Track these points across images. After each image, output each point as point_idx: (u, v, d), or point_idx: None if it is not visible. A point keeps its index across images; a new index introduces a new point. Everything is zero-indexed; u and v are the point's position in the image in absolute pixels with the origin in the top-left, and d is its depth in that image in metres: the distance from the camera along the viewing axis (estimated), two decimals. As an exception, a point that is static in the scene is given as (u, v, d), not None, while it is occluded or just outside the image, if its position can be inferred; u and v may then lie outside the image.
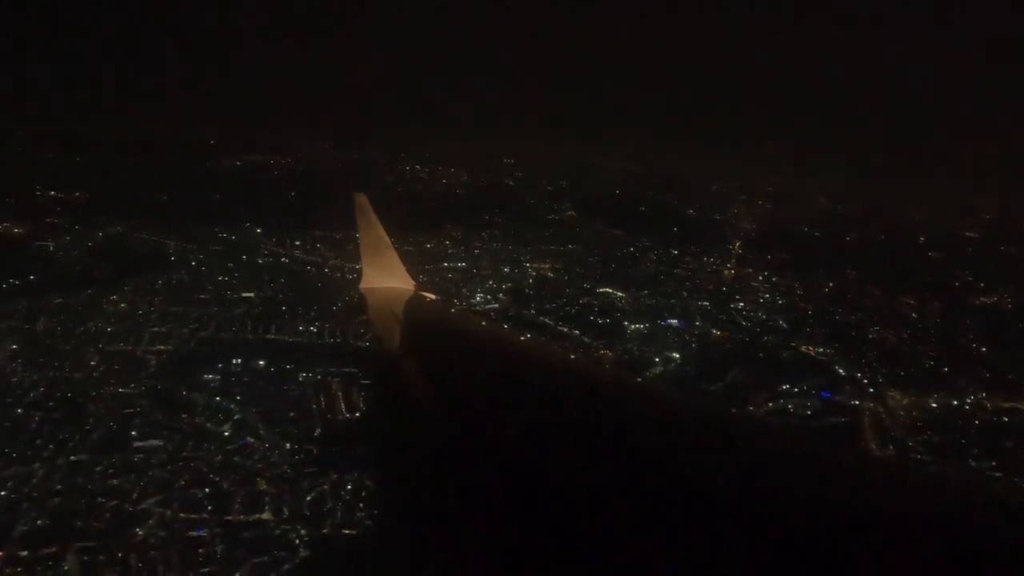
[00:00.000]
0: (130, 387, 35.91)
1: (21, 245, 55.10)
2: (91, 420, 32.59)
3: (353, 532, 27.18)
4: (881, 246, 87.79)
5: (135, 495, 27.77)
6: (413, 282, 10.57)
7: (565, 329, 49.30)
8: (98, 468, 29.31)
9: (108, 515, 26.60)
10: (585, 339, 47.93)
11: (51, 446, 30.38)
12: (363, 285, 10.41)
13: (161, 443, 31.54)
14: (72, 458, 29.76)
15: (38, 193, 70.67)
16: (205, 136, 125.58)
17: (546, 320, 50.74)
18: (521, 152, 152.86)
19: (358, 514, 28.03)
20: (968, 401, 41.58)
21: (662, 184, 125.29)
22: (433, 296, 11.17)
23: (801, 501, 3.05)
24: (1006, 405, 41.09)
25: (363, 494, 29.10)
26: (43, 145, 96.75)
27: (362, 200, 10.85)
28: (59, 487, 27.92)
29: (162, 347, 40.51)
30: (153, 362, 38.81)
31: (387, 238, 10.69)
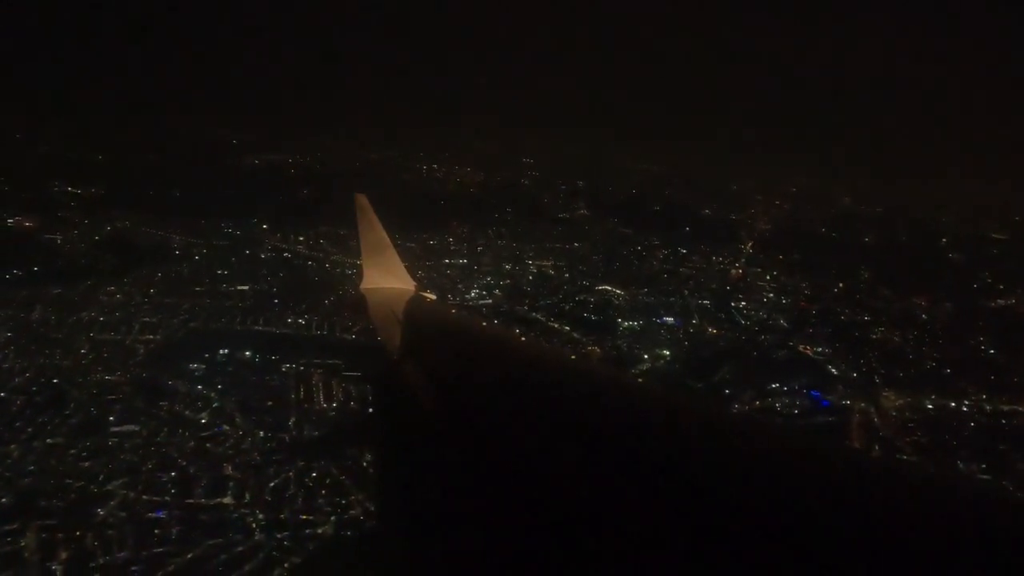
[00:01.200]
0: (116, 375, 36.66)
1: (30, 237, 56.75)
2: (72, 405, 33.35)
3: (311, 517, 27.37)
4: (900, 247, 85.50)
5: (102, 477, 28.37)
6: (413, 282, 10.56)
7: (556, 325, 48.92)
8: (72, 451, 29.97)
9: (73, 495, 27.22)
10: (575, 335, 47.49)
11: (29, 429, 31.17)
12: (364, 286, 10.40)
13: (137, 428, 32.17)
14: (48, 441, 30.51)
15: (55, 188, 72.63)
16: (228, 136, 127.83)
17: (538, 316, 50.41)
18: (542, 152, 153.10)
19: (318, 501, 28.23)
20: (966, 403, 40.08)
21: (681, 184, 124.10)
22: (433, 296, 11.17)
23: (796, 499, 2.99)
24: (1006, 408, 39.49)
25: (327, 481, 29.39)
26: (68, 143, 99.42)
27: (362, 200, 10.82)
28: (31, 468, 28.64)
29: (151, 336, 41.31)
30: (141, 351, 39.59)
31: (387, 238, 10.66)
